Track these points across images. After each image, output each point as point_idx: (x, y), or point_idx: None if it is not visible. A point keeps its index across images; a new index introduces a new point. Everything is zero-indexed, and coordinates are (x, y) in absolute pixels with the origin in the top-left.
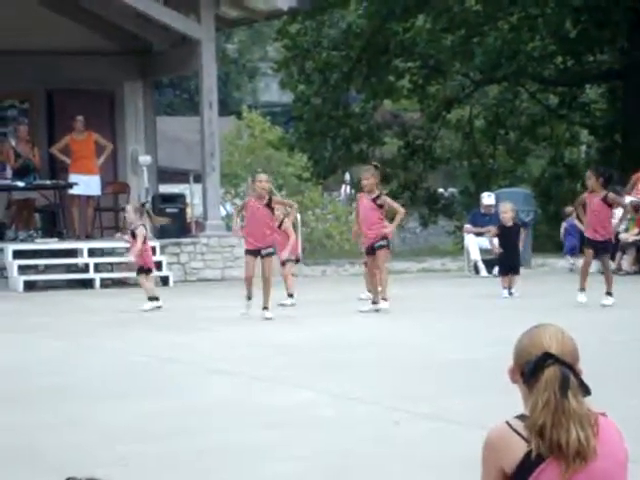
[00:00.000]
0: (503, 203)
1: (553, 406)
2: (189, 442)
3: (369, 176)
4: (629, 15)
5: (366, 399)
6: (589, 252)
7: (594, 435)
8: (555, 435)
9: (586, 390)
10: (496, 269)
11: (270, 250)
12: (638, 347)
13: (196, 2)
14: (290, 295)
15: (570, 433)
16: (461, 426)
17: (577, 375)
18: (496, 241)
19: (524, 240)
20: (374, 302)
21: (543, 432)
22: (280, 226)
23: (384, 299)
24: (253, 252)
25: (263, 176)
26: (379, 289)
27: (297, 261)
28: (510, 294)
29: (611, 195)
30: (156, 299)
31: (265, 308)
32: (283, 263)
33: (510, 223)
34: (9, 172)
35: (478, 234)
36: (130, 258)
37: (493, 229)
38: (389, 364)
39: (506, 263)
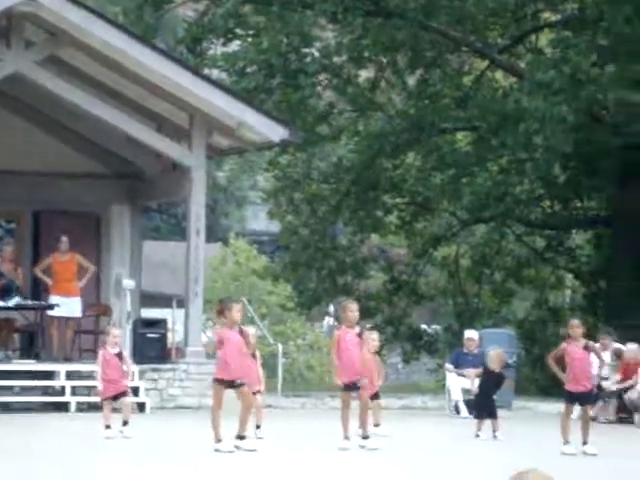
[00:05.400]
0: (494, 349)
1: None
2: None
3: (356, 309)
4: (616, 165)
5: None
6: (571, 407)
7: None
8: None
9: None
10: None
11: (245, 380)
12: None
13: (188, 130)
14: (258, 427)
15: None
16: None
17: None
18: (477, 382)
19: (507, 388)
20: (364, 437)
21: None
22: (253, 355)
23: (367, 437)
24: (226, 382)
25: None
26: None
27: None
28: (494, 437)
29: (591, 344)
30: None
31: (242, 437)
32: (254, 393)
33: (497, 370)
34: None
35: (459, 374)
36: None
37: (475, 372)
38: None
39: (482, 407)
